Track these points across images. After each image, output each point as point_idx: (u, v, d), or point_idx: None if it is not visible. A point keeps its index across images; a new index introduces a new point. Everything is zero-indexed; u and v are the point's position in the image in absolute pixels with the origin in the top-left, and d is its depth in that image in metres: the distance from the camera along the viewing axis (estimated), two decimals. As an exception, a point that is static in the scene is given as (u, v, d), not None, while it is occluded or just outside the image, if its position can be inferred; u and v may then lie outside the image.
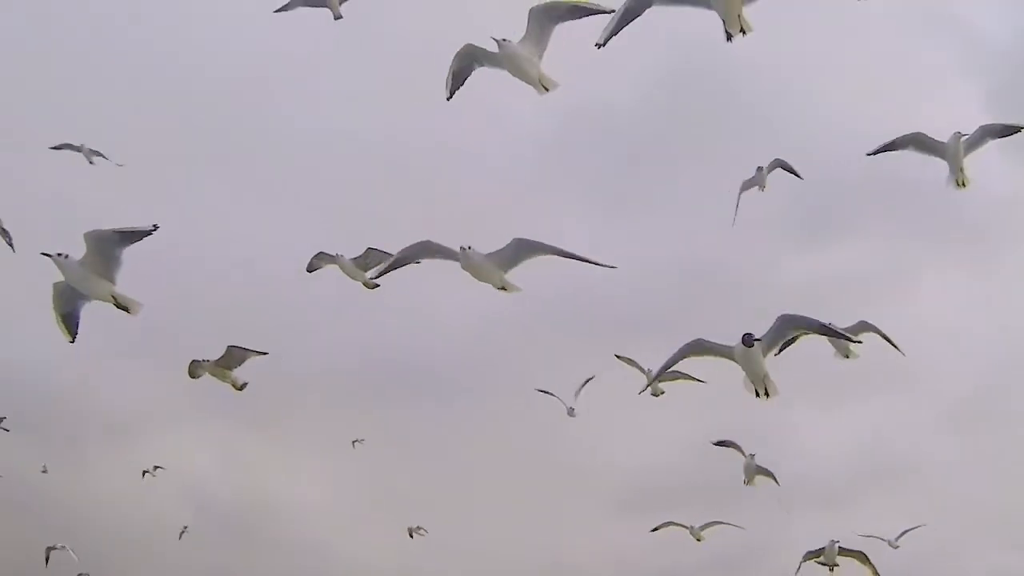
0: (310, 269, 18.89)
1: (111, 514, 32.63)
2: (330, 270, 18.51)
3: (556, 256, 13.37)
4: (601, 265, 13.31)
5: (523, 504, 34.62)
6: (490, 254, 13.43)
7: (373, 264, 17.32)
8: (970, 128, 15.97)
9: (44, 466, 30.20)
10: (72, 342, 13.82)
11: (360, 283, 17.90)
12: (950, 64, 32.36)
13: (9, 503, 30.77)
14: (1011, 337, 32.62)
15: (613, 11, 12.19)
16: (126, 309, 13.67)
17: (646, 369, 21.11)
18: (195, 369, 17.70)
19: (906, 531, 24.94)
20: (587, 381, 25.18)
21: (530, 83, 13.09)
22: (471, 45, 13.20)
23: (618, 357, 21.49)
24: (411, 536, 30.83)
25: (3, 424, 26.46)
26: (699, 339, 13.23)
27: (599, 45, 12.13)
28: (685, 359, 13.91)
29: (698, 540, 25.60)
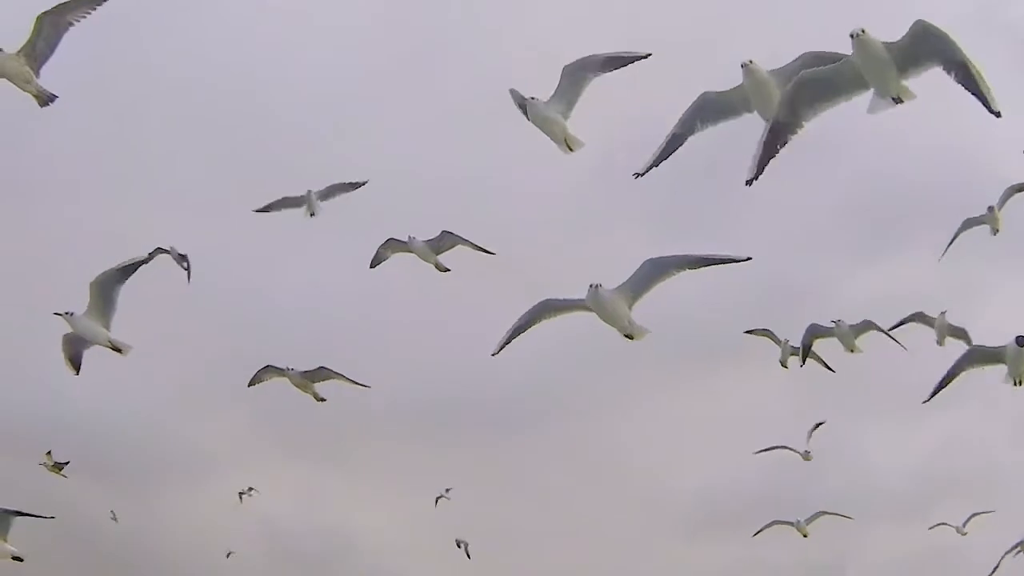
0: (375, 263, 19.46)
1: (188, 552, 33.04)
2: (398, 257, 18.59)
3: (692, 268, 12.87)
4: (738, 260, 12.90)
5: (594, 530, 34.66)
6: (618, 288, 12.89)
7: (446, 248, 17.95)
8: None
9: (113, 513, 30.63)
10: (77, 375, 16.97)
11: (432, 265, 18.51)
12: (1000, 68, 32.14)
13: (85, 543, 31.26)
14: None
15: (650, 55, 12.27)
16: (119, 350, 16.50)
17: (782, 340, 20.32)
18: (267, 375, 18.32)
19: (975, 515, 24.69)
20: (818, 425, 24.67)
21: (556, 142, 12.93)
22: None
23: (748, 332, 20.80)
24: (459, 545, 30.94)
25: (65, 469, 27.03)
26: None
27: (638, 175, 11.91)
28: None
29: (804, 536, 25.24)
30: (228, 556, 31.39)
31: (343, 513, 35.12)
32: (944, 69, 9.95)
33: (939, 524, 24.57)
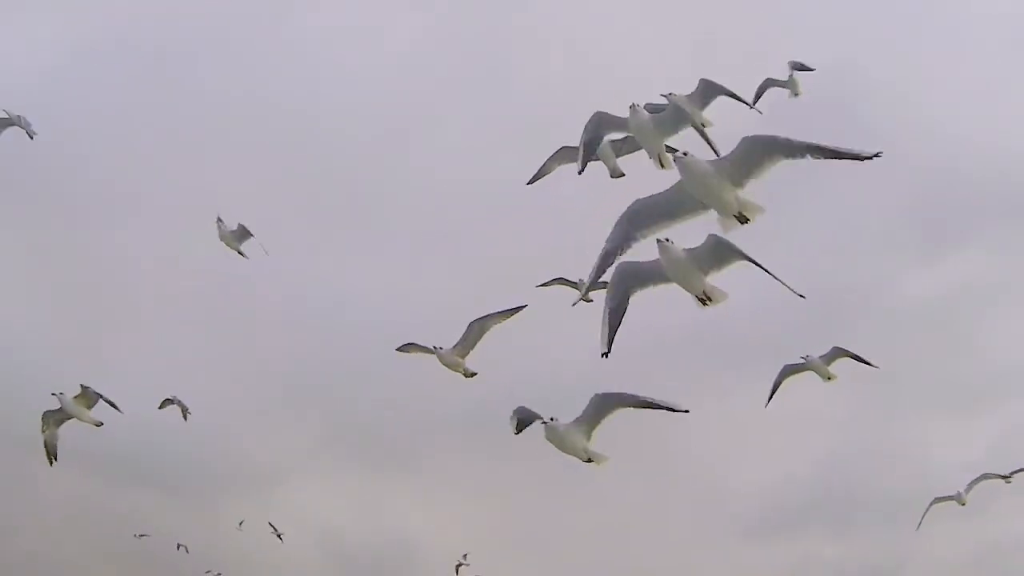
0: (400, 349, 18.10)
1: (248, 565, 33.44)
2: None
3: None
4: (675, 409, 13.22)
5: (650, 530, 34.76)
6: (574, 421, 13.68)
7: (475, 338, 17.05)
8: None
9: (183, 546, 31.18)
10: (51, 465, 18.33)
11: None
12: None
13: (151, 556, 31.74)
14: None
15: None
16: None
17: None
18: (412, 350, 17.90)
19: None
20: (981, 478, 24.63)
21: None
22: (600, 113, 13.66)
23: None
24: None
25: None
26: None
27: (604, 355, 12.05)
28: None
29: (962, 505, 25.26)
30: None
31: (405, 522, 35.46)
32: (794, 158, 10.04)
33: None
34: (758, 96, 17.53)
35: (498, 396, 17.24)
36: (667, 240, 10.83)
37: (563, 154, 15.62)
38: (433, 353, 17.04)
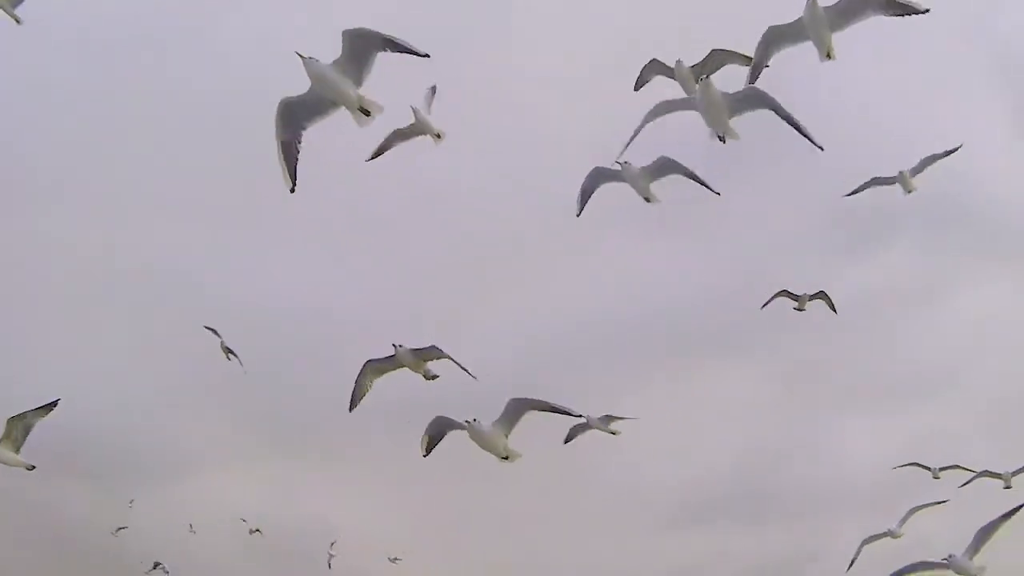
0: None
1: (168, 549, 33.04)
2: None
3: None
4: (571, 413, 15.70)
5: (573, 520, 34.92)
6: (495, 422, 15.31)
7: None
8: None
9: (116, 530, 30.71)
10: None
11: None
12: (981, 78, 32.87)
13: (64, 541, 31.27)
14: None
15: (719, 194, 14.91)
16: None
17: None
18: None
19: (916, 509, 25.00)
20: (911, 512, 24.66)
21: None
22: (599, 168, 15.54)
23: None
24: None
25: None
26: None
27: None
28: None
29: (936, 478, 25.73)
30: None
31: (325, 509, 35.25)
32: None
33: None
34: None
35: (421, 386, 17.18)
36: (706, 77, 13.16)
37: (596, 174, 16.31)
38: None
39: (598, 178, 15.68)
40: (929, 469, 25.80)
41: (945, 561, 18.56)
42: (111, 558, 31.65)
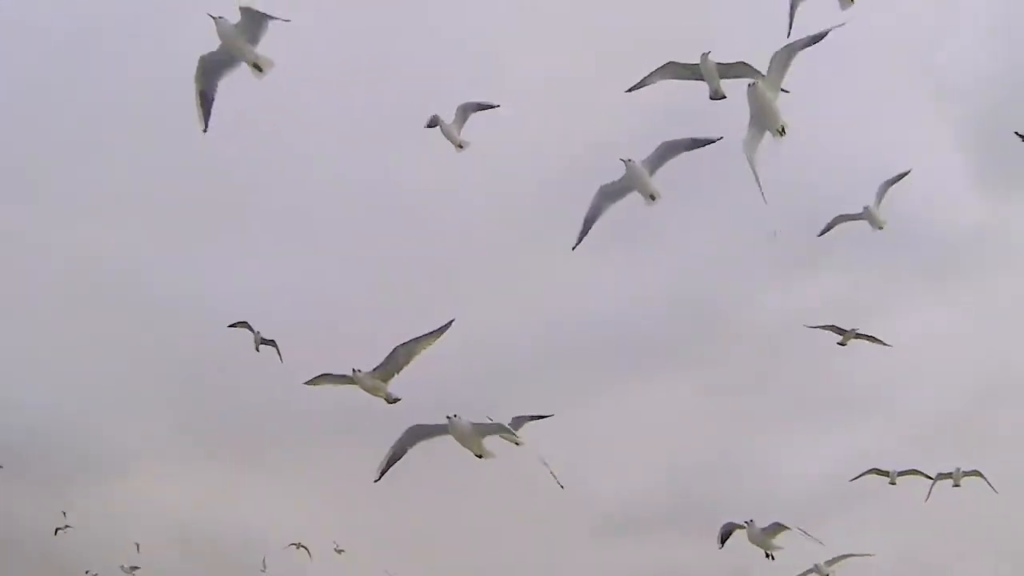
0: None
1: (102, 549, 32.68)
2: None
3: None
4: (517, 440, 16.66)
5: (505, 530, 34.96)
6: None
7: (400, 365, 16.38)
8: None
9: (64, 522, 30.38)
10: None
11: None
12: (925, 105, 33.54)
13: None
14: (980, 368, 33.60)
15: (722, 138, 14.69)
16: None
17: None
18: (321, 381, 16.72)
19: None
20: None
21: (644, 196, 15.48)
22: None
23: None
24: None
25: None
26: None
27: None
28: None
29: (892, 483, 26.04)
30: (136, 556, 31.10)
31: (259, 513, 35.02)
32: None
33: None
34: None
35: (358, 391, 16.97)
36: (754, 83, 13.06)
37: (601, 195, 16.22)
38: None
39: (604, 200, 15.55)
40: (887, 474, 26.17)
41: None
42: (45, 557, 31.30)
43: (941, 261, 33.16)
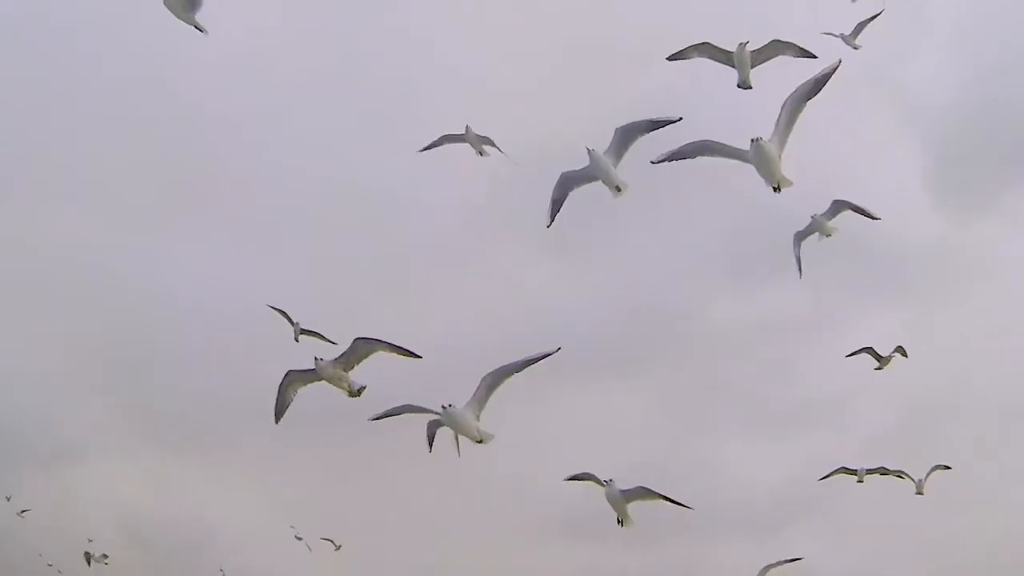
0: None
1: (46, 537, 32.42)
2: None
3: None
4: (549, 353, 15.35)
5: (451, 529, 34.96)
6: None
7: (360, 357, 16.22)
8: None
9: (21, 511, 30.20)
10: None
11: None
12: (890, 127, 33.84)
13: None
14: (931, 381, 33.92)
15: (681, 118, 14.50)
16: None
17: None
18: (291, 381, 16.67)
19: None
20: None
21: (610, 187, 15.45)
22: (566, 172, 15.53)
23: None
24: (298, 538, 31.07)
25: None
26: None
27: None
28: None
29: (860, 482, 26.22)
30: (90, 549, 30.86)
31: (205, 505, 34.86)
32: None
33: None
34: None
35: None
36: (760, 138, 13.10)
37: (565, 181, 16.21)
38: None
39: (567, 184, 15.64)
40: (854, 473, 26.38)
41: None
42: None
43: (897, 275, 33.52)
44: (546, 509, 34.67)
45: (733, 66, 16.91)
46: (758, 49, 16.81)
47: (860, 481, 26.13)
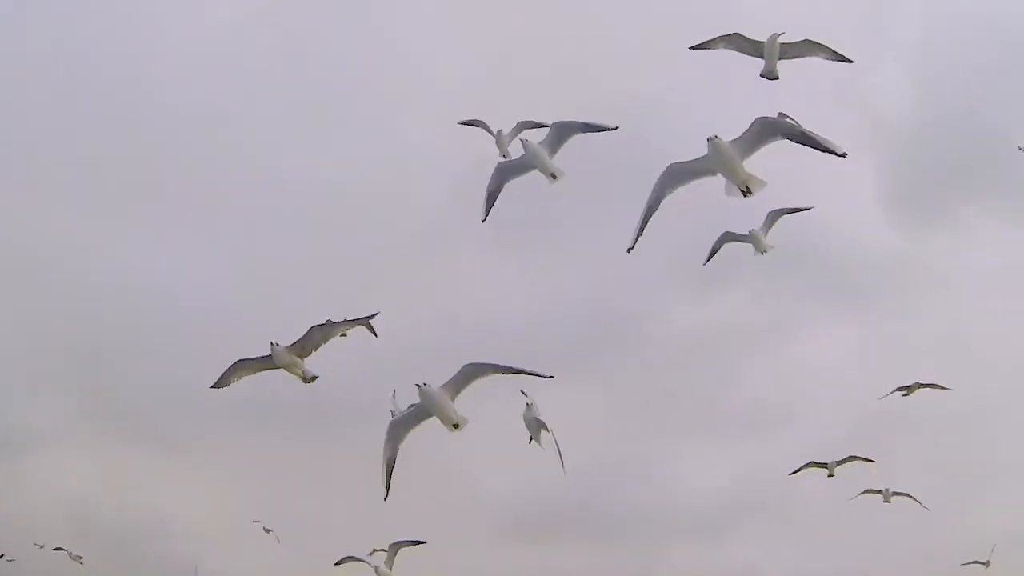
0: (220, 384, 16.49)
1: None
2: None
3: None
4: (542, 375, 14.94)
5: (401, 526, 34.90)
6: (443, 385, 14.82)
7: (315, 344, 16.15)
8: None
9: None
10: None
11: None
12: (850, 139, 34.15)
13: None
14: (880, 389, 34.44)
15: (617, 127, 14.86)
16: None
17: None
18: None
19: None
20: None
21: (546, 175, 15.69)
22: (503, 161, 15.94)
23: None
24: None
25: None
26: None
27: (629, 250, 13.77)
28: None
29: (831, 475, 26.53)
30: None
31: (157, 498, 34.68)
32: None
33: None
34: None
35: (271, 378, 16.87)
36: (717, 137, 12.33)
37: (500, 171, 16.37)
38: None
39: (503, 175, 15.87)
40: (825, 466, 26.70)
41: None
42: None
43: (852, 286, 33.94)
44: (498, 509, 34.86)
45: (760, 56, 16.83)
46: (789, 43, 16.73)
47: (831, 475, 26.49)
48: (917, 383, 24.86)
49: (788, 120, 12.49)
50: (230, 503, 34.31)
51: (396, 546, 21.28)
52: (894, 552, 32.68)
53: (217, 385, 16.23)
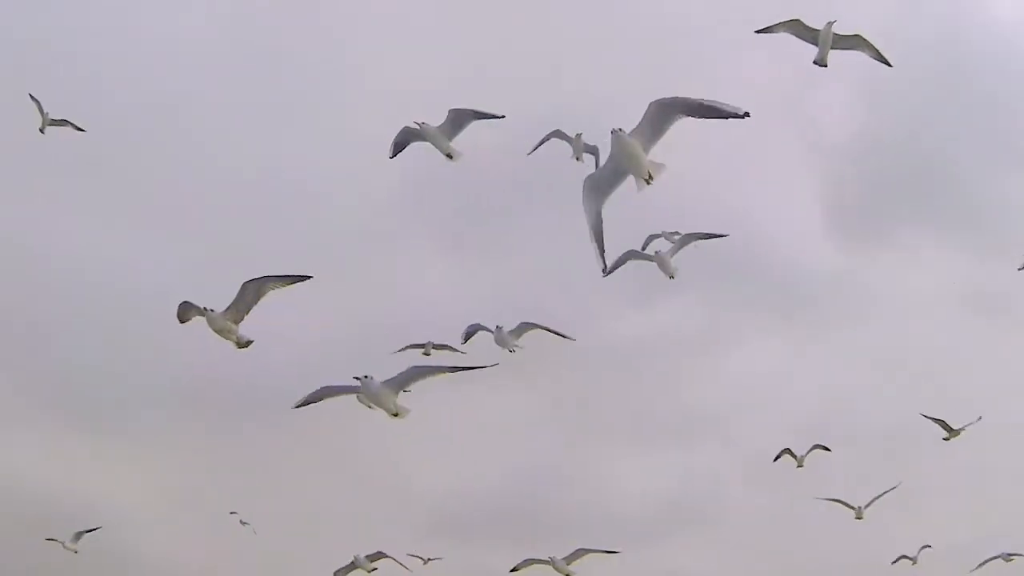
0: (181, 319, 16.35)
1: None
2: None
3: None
4: (481, 367, 16.11)
5: (331, 521, 34.77)
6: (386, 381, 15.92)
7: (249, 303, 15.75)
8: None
9: None
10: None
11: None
12: (795, 156, 34.70)
13: None
14: (815, 402, 34.89)
15: (504, 116, 16.89)
16: None
17: None
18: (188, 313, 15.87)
19: None
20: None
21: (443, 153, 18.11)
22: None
23: None
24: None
25: None
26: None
27: (605, 273, 13.44)
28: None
29: (800, 467, 26.90)
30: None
31: (93, 482, 34.27)
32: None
33: None
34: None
35: (208, 363, 16.78)
36: (620, 130, 11.60)
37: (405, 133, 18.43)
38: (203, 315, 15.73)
39: (406, 136, 18.24)
40: (795, 457, 27.10)
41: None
42: None
43: (791, 300, 34.34)
44: (429, 506, 34.86)
45: (815, 43, 18.35)
46: (841, 35, 18.34)
47: (800, 466, 26.94)
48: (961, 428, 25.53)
49: (682, 97, 11.23)
50: (161, 489, 34.04)
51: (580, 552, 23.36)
52: (822, 565, 33.16)
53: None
